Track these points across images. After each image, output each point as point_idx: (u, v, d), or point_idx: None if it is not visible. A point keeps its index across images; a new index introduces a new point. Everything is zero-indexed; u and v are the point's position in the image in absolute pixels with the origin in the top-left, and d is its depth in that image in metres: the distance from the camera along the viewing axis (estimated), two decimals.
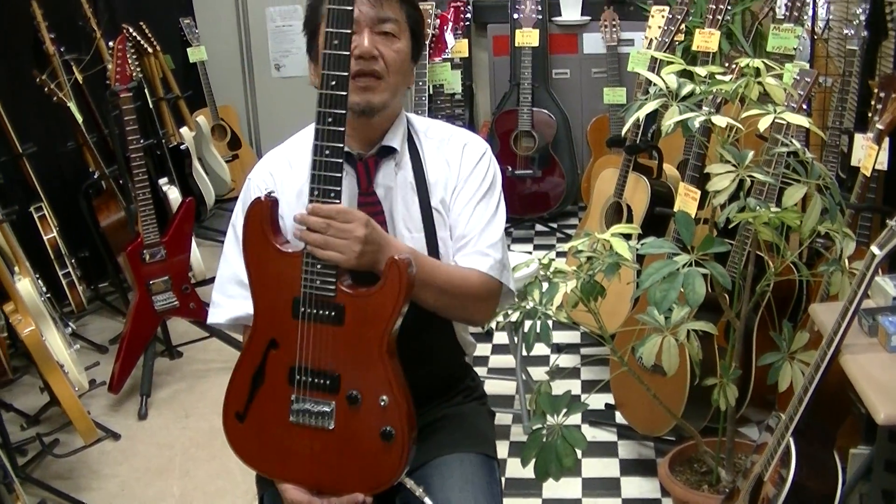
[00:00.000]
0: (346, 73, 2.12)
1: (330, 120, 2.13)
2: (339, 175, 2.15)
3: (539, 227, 6.85)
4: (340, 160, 2.14)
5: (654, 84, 2.69)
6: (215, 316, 2.48)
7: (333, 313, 2.19)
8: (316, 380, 2.23)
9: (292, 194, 2.40)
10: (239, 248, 2.35)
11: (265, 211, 2.23)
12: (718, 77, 2.68)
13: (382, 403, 2.19)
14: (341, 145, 2.14)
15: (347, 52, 2.12)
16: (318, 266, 2.17)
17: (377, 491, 2.25)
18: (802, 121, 2.60)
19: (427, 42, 4.79)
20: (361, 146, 2.41)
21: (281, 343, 2.26)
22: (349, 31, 2.11)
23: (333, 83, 2.12)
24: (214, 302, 2.49)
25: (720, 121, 2.53)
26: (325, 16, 2.13)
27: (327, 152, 2.14)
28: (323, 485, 2.29)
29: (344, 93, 2.13)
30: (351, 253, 2.13)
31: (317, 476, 2.29)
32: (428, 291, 2.29)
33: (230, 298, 2.44)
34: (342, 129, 2.13)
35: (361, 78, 2.29)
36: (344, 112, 2.13)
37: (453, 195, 2.43)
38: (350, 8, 2.10)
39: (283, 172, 2.45)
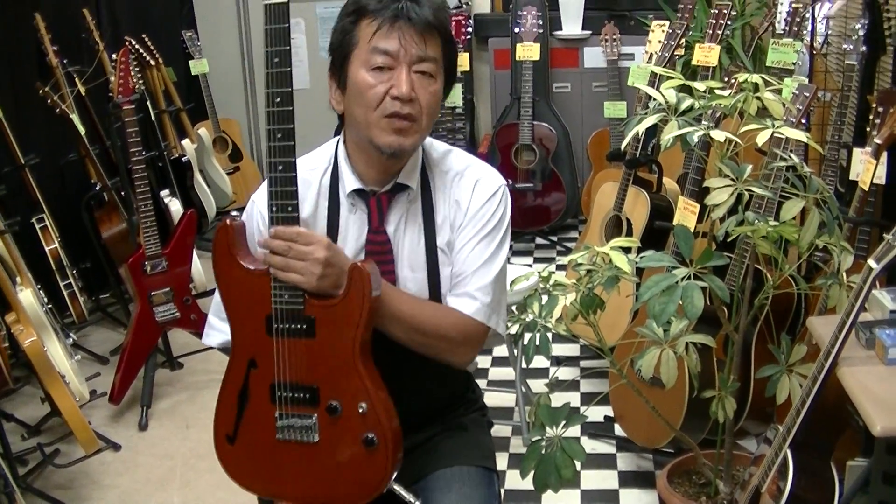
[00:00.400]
0: (289, 89, 2.13)
1: (279, 136, 2.14)
2: (294, 189, 2.15)
3: (539, 241, 6.86)
4: (293, 174, 2.14)
5: (654, 98, 2.71)
6: (208, 338, 2.50)
7: (305, 326, 2.20)
8: (296, 394, 2.25)
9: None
10: None
11: (231, 234, 2.26)
12: (717, 92, 2.69)
13: (361, 411, 2.20)
14: (292, 159, 2.14)
15: (289, 69, 2.12)
16: (277, 283, 2.19)
17: (371, 498, 2.27)
18: (800, 135, 2.61)
19: None
20: (376, 182, 2.36)
21: (259, 362, 2.28)
22: (288, 48, 2.11)
23: (278, 100, 2.13)
24: (209, 323, 2.50)
25: (719, 135, 2.55)
26: (265, 34, 2.10)
27: (280, 168, 2.14)
28: (317, 498, 2.31)
29: (290, 108, 2.13)
30: (311, 275, 2.14)
31: (310, 491, 2.31)
32: (394, 325, 2.27)
33: (224, 322, 2.41)
34: (292, 143, 2.14)
35: (396, 119, 2.23)
36: (292, 127, 2.13)
37: (458, 232, 2.38)
38: (286, 26, 2.09)
39: None
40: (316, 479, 2.29)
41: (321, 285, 2.15)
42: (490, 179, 2.41)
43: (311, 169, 2.40)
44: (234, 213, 2.30)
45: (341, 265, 2.17)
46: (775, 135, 2.60)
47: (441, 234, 2.38)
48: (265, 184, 2.33)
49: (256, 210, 2.41)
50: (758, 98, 2.63)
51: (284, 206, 2.16)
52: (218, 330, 2.47)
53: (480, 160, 2.48)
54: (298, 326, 2.20)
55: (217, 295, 2.42)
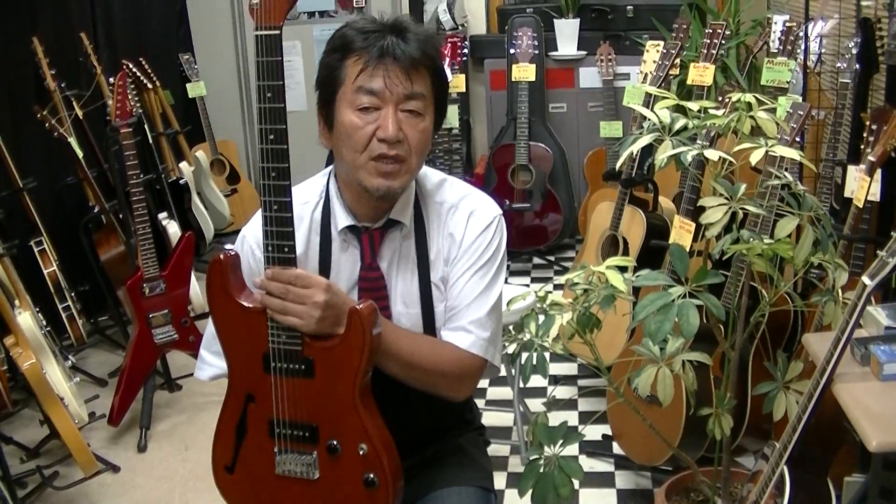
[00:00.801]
0: (283, 126, 2.08)
1: (274, 175, 2.09)
2: (291, 230, 2.11)
3: (536, 260, 6.87)
4: (290, 214, 2.09)
5: (648, 118, 2.72)
6: (201, 372, 2.47)
7: (303, 367, 2.18)
8: (295, 432, 2.23)
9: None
10: None
11: (225, 269, 2.21)
12: (711, 111, 2.71)
13: (362, 452, 2.19)
14: (288, 199, 2.09)
15: (282, 105, 2.07)
16: (273, 324, 2.16)
17: None
18: (793, 154, 2.63)
19: None
20: (368, 218, 2.34)
21: (257, 397, 2.26)
22: (281, 83, 2.06)
23: (272, 137, 2.08)
24: (201, 357, 2.48)
25: (712, 154, 2.56)
26: (257, 67, 2.06)
27: (275, 208, 2.10)
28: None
29: (284, 146, 2.08)
30: (310, 318, 2.11)
31: None
32: (392, 363, 2.25)
33: (215, 355, 2.42)
34: (287, 182, 2.09)
35: (382, 162, 2.21)
36: (287, 165, 2.08)
37: (452, 265, 2.36)
38: (279, 59, 2.05)
39: None
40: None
41: (320, 328, 2.12)
42: (485, 210, 2.39)
43: (303, 203, 2.38)
44: (228, 246, 2.26)
45: (341, 306, 2.14)
46: (769, 153, 2.61)
47: (435, 269, 2.36)
48: (256, 216, 2.31)
49: (248, 246, 2.39)
50: (751, 117, 2.64)
51: (280, 247, 2.12)
52: (209, 364, 2.45)
53: (476, 189, 2.45)
54: (297, 367, 2.18)
55: (209, 327, 2.41)
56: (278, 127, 2.07)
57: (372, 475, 2.20)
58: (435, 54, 2.25)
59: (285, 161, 2.08)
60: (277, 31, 2.05)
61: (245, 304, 2.20)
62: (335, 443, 2.21)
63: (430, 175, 2.44)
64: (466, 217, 2.36)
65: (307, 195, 2.40)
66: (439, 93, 2.29)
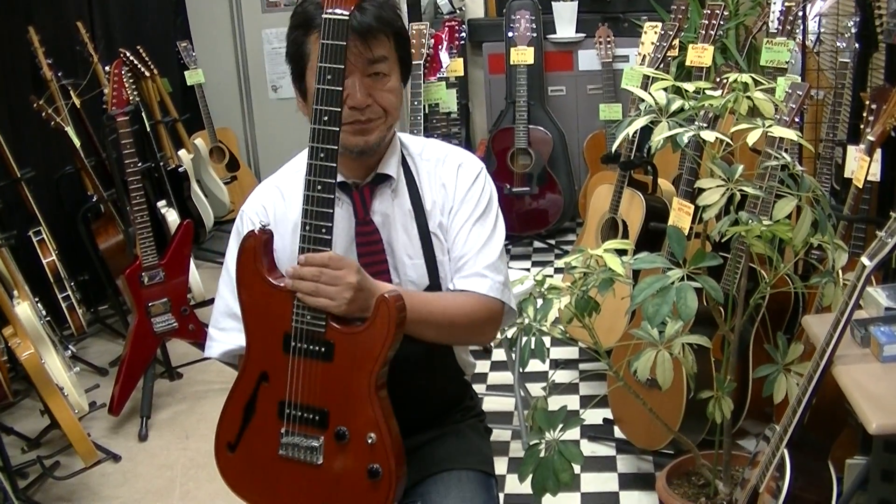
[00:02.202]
0: (338, 109, 2.11)
1: (322, 155, 2.13)
2: (331, 211, 2.14)
3: (537, 244, 6.86)
4: (332, 196, 2.13)
5: (645, 100, 2.71)
6: (210, 350, 2.49)
7: (323, 349, 2.19)
8: (305, 414, 2.23)
9: (287, 227, 2.40)
10: (232, 283, 2.36)
11: (258, 244, 2.23)
12: (708, 92, 2.69)
13: (370, 441, 2.19)
14: (333, 181, 2.13)
15: (340, 88, 2.10)
16: (300, 304, 2.17)
17: None
18: (791, 134, 2.62)
19: (422, 61, 4.81)
20: (357, 175, 2.40)
21: (272, 376, 2.27)
22: (342, 67, 2.10)
23: (326, 118, 2.12)
24: (210, 335, 2.50)
25: (709, 136, 2.55)
26: (319, 50, 2.11)
27: (319, 188, 2.13)
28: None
29: (336, 128, 2.12)
30: (342, 300, 2.13)
31: None
32: (426, 328, 2.30)
33: (223, 332, 2.45)
34: (334, 164, 2.12)
35: (357, 125, 2.29)
36: (336, 147, 2.12)
37: (450, 216, 2.42)
38: (343, 43, 2.09)
39: (277, 204, 2.44)
40: (313, 499, 2.28)
41: (350, 309, 2.15)
42: (471, 162, 2.49)
43: (296, 171, 2.44)
44: (264, 223, 2.28)
45: (370, 289, 2.17)
46: (768, 134, 2.60)
47: (432, 218, 2.42)
48: (252, 193, 2.43)
49: (247, 218, 2.43)
50: (748, 98, 2.63)
51: (318, 227, 2.15)
52: (217, 340, 2.47)
53: (454, 146, 2.56)
54: (317, 349, 2.19)
55: (217, 304, 2.45)
56: (333, 109, 2.11)
57: (377, 465, 2.19)
58: (391, 16, 2.32)
59: (335, 143, 2.12)
60: (346, 16, 2.09)
61: (273, 281, 2.22)
62: (344, 429, 2.21)
63: (412, 139, 2.54)
64: (455, 169, 2.46)
65: (298, 165, 2.46)
66: (401, 51, 2.37)
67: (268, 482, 2.31)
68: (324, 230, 2.15)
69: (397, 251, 2.40)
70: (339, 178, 2.36)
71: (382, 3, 2.31)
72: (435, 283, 2.40)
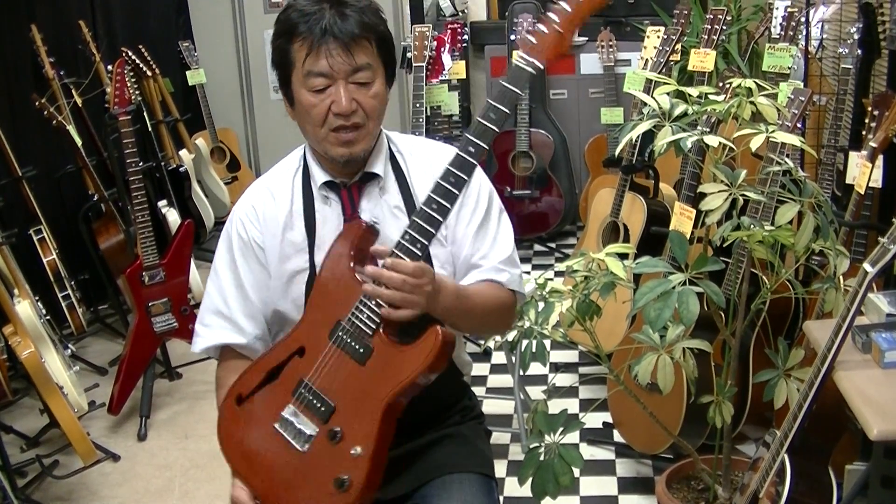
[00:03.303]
0: (485, 147, 2.19)
1: (452, 181, 2.18)
2: (436, 232, 2.19)
3: (538, 247, 6.86)
4: (442, 219, 2.18)
5: (648, 104, 2.71)
6: (195, 345, 2.55)
7: (361, 350, 2.23)
8: (314, 401, 2.26)
9: (277, 226, 2.45)
10: (220, 281, 2.46)
11: (359, 234, 2.29)
12: (711, 97, 2.70)
13: (353, 453, 2.21)
14: (451, 207, 2.18)
15: (497, 129, 2.18)
16: (373, 302, 2.21)
17: None
18: (794, 139, 2.62)
19: (424, 64, 4.81)
20: (344, 175, 2.44)
21: (307, 354, 2.31)
22: (508, 112, 2.18)
23: (471, 149, 2.18)
24: (195, 332, 2.54)
25: (712, 140, 2.55)
26: (499, 90, 2.17)
27: (434, 207, 2.18)
28: (269, 499, 2.33)
29: (475, 162, 2.19)
30: (419, 308, 2.19)
31: (267, 488, 2.33)
32: (467, 319, 2.38)
33: (207, 328, 2.50)
34: (458, 192, 2.19)
35: (342, 132, 2.33)
36: (468, 179, 2.18)
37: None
38: (521, 93, 2.19)
39: (266, 205, 2.48)
40: (280, 481, 2.31)
41: (416, 313, 2.20)
42: None
43: (286, 170, 2.50)
44: (373, 220, 2.33)
45: (438, 290, 2.24)
46: (770, 139, 2.60)
47: None
48: (243, 195, 2.51)
49: (237, 220, 2.49)
50: (751, 103, 2.63)
51: (415, 241, 2.18)
52: (201, 336, 2.52)
53: (443, 143, 2.60)
54: (357, 347, 2.24)
55: (204, 302, 2.51)
56: (481, 145, 2.18)
57: (348, 477, 2.21)
58: (374, 21, 2.34)
59: (469, 175, 2.18)
60: (535, 70, 2.17)
61: (354, 271, 2.26)
62: (339, 431, 2.24)
63: (399, 136, 2.56)
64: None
65: (288, 164, 2.52)
66: (385, 55, 2.39)
67: (252, 448, 2.35)
68: (420, 245, 2.18)
69: (389, 246, 2.38)
70: (327, 178, 2.43)
71: (364, 7, 2.33)
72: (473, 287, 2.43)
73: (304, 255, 2.43)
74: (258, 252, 2.46)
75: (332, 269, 2.31)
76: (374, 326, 2.21)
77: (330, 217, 2.43)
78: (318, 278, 2.34)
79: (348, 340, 2.24)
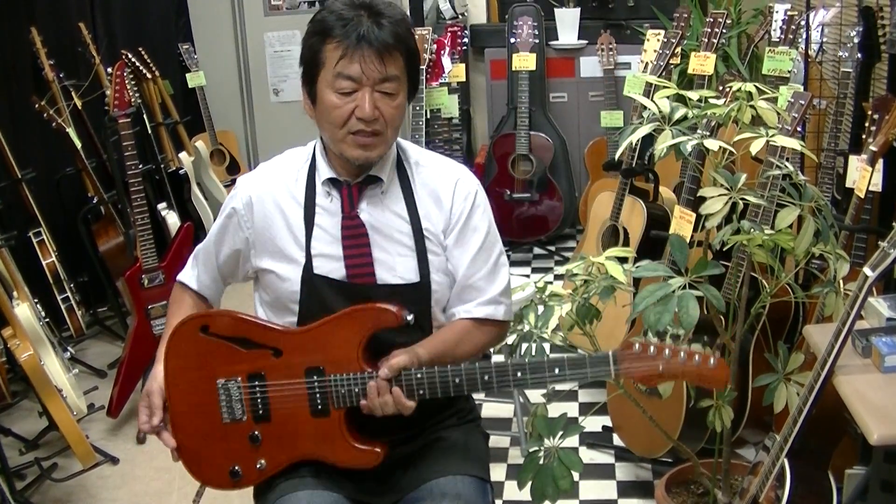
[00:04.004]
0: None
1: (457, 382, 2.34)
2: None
3: (537, 251, 6.85)
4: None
5: (648, 108, 2.71)
6: (184, 275, 2.68)
7: (320, 408, 2.36)
8: (259, 400, 2.41)
9: (276, 208, 2.50)
10: (208, 257, 2.59)
11: (384, 320, 2.34)
12: (711, 101, 2.69)
13: (259, 466, 2.41)
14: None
15: None
16: (358, 388, 2.33)
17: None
18: (794, 143, 2.62)
19: (424, 67, 4.81)
20: (349, 175, 2.47)
21: (280, 364, 2.39)
22: None
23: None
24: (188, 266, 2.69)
25: (712, 144, 2.55)
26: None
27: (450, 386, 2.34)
28: (173, 424, 2.47)
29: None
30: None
31: (176, 415, 2.46)
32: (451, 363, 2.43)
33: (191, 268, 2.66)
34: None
35: (361, 135, 2.36)
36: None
37: (447, 235, 2.50)
38: None
39: (272, 185, 2.52)
40: (189, 422, 2.46)
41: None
42: (468, 180, 2.55)
43: (297, 159, 2.56)
44: (410, 318, 2.36)
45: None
46: (770, 143, 2.60)
47: (425, 220, 2.48)
48: (258, 171, 2.59)
49: (239, 198, 2.54)
50: (752, 107, 2.63)
51: (420, 387, 2.32)
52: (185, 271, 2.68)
53: (451, 159, 2.63)
54: (318, 403, 2.36)
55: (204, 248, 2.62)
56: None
57: (242, 475, 2.43)
58: (407, 35, 2.39)
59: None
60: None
61: (363, 360, 2.34)
62: (260, 437, 2.40)
63: (412, 146, 2.60)
64: (453, 184, 2.52)
65: (301, 154, 2.56)
66: (411, 70, 2.43)
67: (186, 375, 2.45)
68: (421, 392, 2.33)
69: (386, 247, 2.46)
70: (331, 175, 2.47)
71: (399, 20, 2.37)
72: (425, 279, 2.46)
73: (301, 244, 2.46)
74: (242, 224, 2.52)
75: (345, 323, 2.36)
76: (344, 403, 2.33)
77: (329, 212, 2.47)
78: (332, 318, 2.37)
79: (317, 391, 2.35)
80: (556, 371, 2.29)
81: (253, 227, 2.49)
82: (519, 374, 2.31)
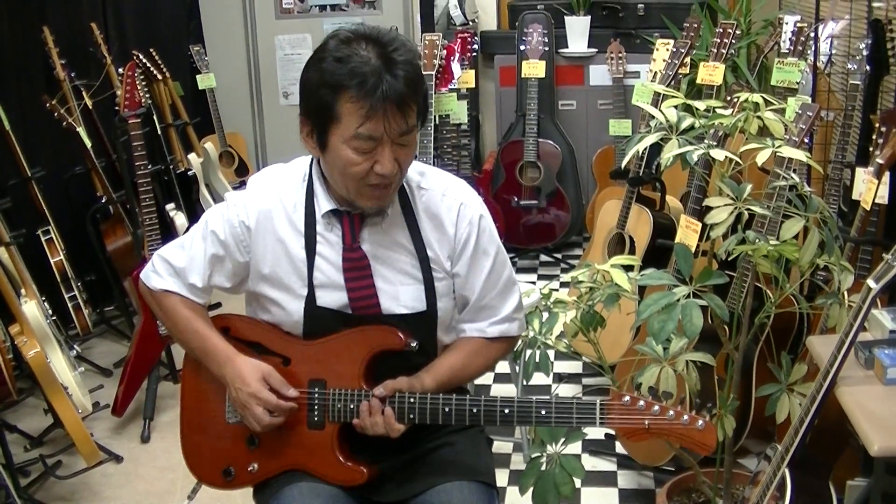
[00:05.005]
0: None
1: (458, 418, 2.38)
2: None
3: (543, 258, 6.86)
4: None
5: (655, 117, 2.72)
6: (147, 278, 2.57)
7: (316, 419, 2.40)
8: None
9: (275, 233, 2.45)
10: (193, 246, 2.51)
11: (391, 343, 2.37)
12: (718, 111, 2.70)
13: (251, 469, 2.47)
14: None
15: None
16: (352, 405, 2.37)
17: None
18: (799, 154, 2.62)
19: (434, 72, 4.83)
20: (350, 206, 2.42)
21: (288, 372, 2.42)
22: None
23: None
24: (152, 265, 2.57)
25: (718, 154, 2.56)
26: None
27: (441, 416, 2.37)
28: (185, 413, 2.58)
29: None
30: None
31: (188, 406, 2.58)
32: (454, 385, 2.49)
33: (158, 276, 2.54)
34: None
35: (378, 189, 2.31)
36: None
37: (454, 262, 2.48)
38: None
39: (271, 207, 2.46)
40: (196, 417, 2.55)
41: None
42: (472, 203, 2.50)
43: (293, 180, 2.48)
44: (414, 345, 2.40)
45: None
46: (777, 154, 2.61)
47: (430, 247, 2.45)
48: (256, 190, 2.49)
49: (234, 213, 2.47)
50: (758, 117, 2.63)
51: (411, 412, 2.35)
52: (154, 277, 2.56)
53: (453, 177, 2.55)
54: (315, 415, 2.40)
55: (174, 251, 2.55)
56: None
57: (233, 470, 2.48)
58: (417, 76, 2.28)
59: None
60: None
61: (364, 383, 2.38)
62: (257, 441, 2.46)
63: (417, 167, 2.51)
64: (457, 208, 2.47)
65: (296, 175, 2.49)
66: (422, 109, 2.34)
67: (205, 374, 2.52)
68: (411, 417, 2.36)
69: (389, 276, 2.44)
70: (332, 206, 2.41)
71: (409, 60, 2.27)
72: (432, 308, 2.45)
73: (302, 276, 2.43)
74: (240, 248, 2.46)
75: (353, 340, 2.40)
76: (338, 418, 2.38)
77: (330, 243, 2.43)
78: (342, 334, 2.41)
79: (316, 403, 2.39)
80: (543, 412, 2.31)
81: (252, 254, 2.45)
82: (506, 410, 2.33)
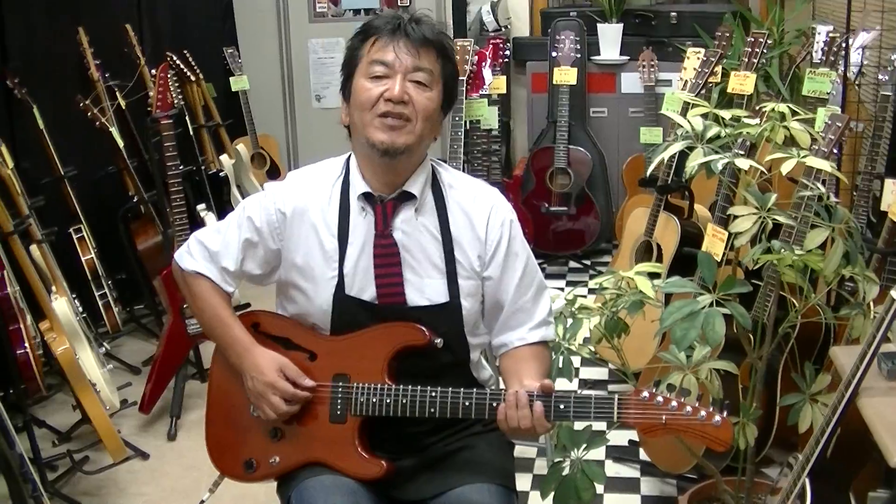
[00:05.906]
0: None
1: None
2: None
3: (572, 264, 6.86)
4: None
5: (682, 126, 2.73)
6: (181, 259, 2.63)
7: (339, 413, 2.43)
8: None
9: (309, 222, 2.51)
10: (227, 232, 2.56)
11: (414, 341, 2.41)
12: (745, 120, 2.71)
13: (273, 462, 2.49)
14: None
15: None
16: (376, 398, 2.39)
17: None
18: (824, 165, 2.62)
19: (465, 78, 4.84)
20: (383, 188, 2.47)
21: (313, 366, 2.47)
22: None
23: None
24: (188, 247, 2.64)
25: (743, 164, 2.56)
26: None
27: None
28: (211, 395, 2.63)
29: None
30: None
31: (213, 395, 2.63)
32: None
33: (192, 258, 2.60)
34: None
35: (389, 118, 2.37)
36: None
37: (486, 265, 2.51)
38: None
39: (306, 198, 2.53)
40: (222, 407, 2.60)
41: None
42: (502, 207, 2.56)
43: (329, 173, 2.56)
44: (439, 342, 2.43)
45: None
46: (805, 164, 2.61)
47: (457, 245, 2.49)
48: (292, 182, 2.58)
49: (270, 201, 2.54)
50: (785, 127, 2.64)
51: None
52: (188, 259, 2.62)
53: (483, 182, 2.63)
54: (338, 409, 2.43)
55: (210, 234, 2.61)
56: None
57: (254, 462, 2.51)
58: (445, 41, 2.47)
59: None
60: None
61: (388, 379, 2.41)
62: (281, 433, 2.50)
63: (446, 169, 2.61)
64: (487, 211, 2.52)
65: (333, 168, 2.57)
66: (447, 75, 2.48)
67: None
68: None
69: (416, 268, 2.48)
70: (365, 189, 2.47)
71: (441, 30, 2.47)
72: (455, 302, 2.48)
73: (333, 264, 2.47)
74: (273, 235, 2.53)
75: (378, 335, 2.43)
76: (361, 412, 2.40)
77: (362, 229, 2.48)
78: (368, 330, 2.44)
79: (339, 397, 2.42)
80: (561, 407, 2.31)
81: (286, 241, 2.51)
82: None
